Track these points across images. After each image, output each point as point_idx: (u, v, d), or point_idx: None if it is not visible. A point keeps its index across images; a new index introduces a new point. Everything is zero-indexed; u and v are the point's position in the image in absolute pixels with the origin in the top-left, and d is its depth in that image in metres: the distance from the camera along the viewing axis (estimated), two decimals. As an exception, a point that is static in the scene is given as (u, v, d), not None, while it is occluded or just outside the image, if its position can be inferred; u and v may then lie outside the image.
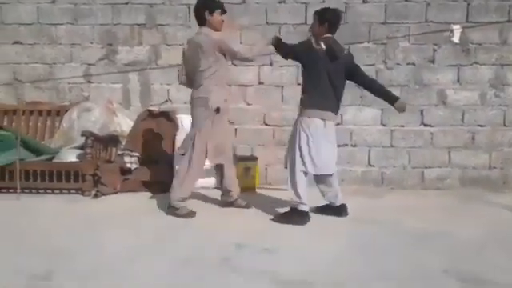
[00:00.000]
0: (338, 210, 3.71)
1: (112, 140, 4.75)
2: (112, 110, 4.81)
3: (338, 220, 3.65)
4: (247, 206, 3.92)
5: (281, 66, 4.85)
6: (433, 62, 4.80)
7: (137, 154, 4.71)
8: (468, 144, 4.81)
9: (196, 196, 4.12)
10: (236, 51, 3.60)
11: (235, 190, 3.94)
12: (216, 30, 3.62)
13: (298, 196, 3.51)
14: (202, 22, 3.65)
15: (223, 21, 3.67)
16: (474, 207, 4.14)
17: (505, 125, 4.79)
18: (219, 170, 3.96)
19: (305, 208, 3.54)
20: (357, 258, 2.87)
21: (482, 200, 4.35)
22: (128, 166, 4.58)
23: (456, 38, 4.75)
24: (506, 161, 4.80)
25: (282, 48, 3.66)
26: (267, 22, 4.87)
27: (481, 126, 4.80)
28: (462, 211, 4.00)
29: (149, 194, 4.40)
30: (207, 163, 3.82)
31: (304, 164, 3.49)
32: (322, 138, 3.49)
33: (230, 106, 3.90)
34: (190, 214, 3.68)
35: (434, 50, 4.79)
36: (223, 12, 3.66)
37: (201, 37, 3.60)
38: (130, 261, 2.78)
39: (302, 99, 3.60)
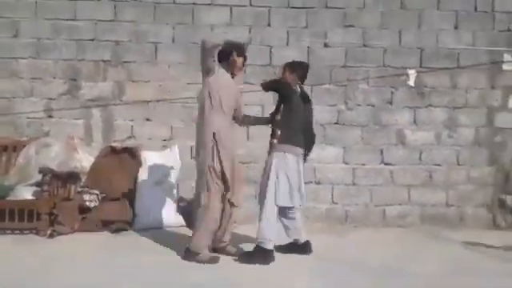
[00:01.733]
0: (303, 248, 3.70)
1: (71, 177, 4.57)
2: (73, 145, 4.68)
3: (303, 258, 3.62)
4: (236, 254, 3.62)
5: (245, 105, 4.92)
6: (391, 103, 5.03)
7: (97, 192, 4.55)
8: (426, 182, 5.00)
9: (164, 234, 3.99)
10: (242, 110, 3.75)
11: (229, 236, 3.72)
12: (232, 72, 3.65)
13: (266, 233, 3.49)
14: (224, 59, 3.58)
15: (241, 69, 3.76)
16: (433, 244, 4.24)
17: (459, 164, 5.02)
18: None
19: (270, 246, 3.50)
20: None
21: (441, 237, 4.47)
22: (87, 204, 4.42)
23: (411, 82, 5.04)
24: (462, 198, 5.00)
25: (271, 82, 3.85)
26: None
27: (437, 164, 5.02)
28: (422, 249, 4.09)
29: (108, 234, 4.22)
30: None
31: (278, 199, 3.51)
32: (296, 172, 3.57)
33: None
34: (214, 259, 3.47)
35: (392, 93, 5.03)
36: (245, 61, 3.73)
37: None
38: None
39: (277, 135, 3.63)
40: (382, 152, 5.01)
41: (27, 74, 4.96)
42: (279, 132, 3.62)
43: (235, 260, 3.52)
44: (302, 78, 3.83)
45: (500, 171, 5.02)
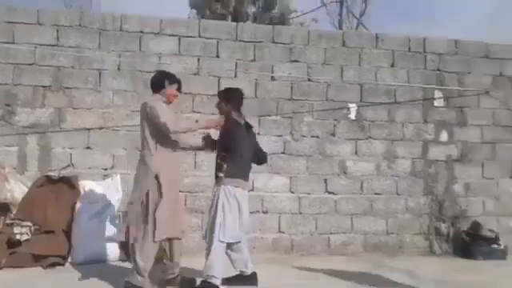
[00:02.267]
0: (248, 280, 3.63)
1: (0, 208, 4.23)
2: (3, 175, 4.35)
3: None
4: (191, 283, 3.52)
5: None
6: (333, 135, 5.22)
7: (29, 224, 4.22)
8: (368, 211, 5.17)
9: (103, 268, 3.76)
10: (161, 121, 3.35)
11: (177, 267, 3.58)
12: (168, 101, 3.57)
13: (214, 270, 3.38)
14: (157, 89, 3.55)
15: (176, 96, 3.64)
16: (375, 273, 4.31)
17: (397, 193, 5.26)
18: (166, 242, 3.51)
19: (217, 282, 3.40)
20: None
21: (383, 265, 4.58)
22: (18, 237, 4.08)
23: (352, 115, 5.28)
24: (401, 227, 5.21)
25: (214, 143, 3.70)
26: (181, 92, 4.95)
27: (377, 194, 5.22)
28: (364, 277, 4.14)
29: (40, 270, 3.90)
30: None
31: (225, 235, 3.42)
32: (244, 205, 3.53)
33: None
34: None
35: (334, 125, 5.24)
36: (179, 89, 3.64)
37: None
38: None
39: (223, 169, 3.49)
40: (326, 181, 5.14)
41: (-45, 96, 4.62)
42: (225, 165, 3.49)
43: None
44: (239, 106, 3.67)
45: (434, 201, 5.32)
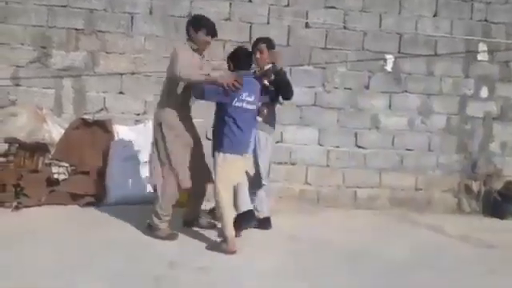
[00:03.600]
0: (262, 223, 3.75)
1: (39, 148, 4.42)
2: (41, 116, 4.51)
3: (275, 237, 3.66)
4: (208, 227, 3.71)
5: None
6: (367, 87, 5.06)
7: (66, 165, 4.42)
8: (397, 166, 5.10)
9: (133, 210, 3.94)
10: (176, 67, 3.27)
11: (199, 209, 3.77)
12: (200, 48, 3.49)
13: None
14: (189, 35, 3.48)
15: (208, 42, 3.52)
16: (400, 227, 4.35)
17: (430, 150, 5.14)
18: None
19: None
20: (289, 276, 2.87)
21: (409, 220, 4.59)
22: (56, 176, 4.29)
23: (389, 67, 5.07)
24: (430, 183, 5.13)
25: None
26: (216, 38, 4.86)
27: (409, 149, 5.12)
28: (389, 231, 4.19)
29: (77, 208, 4.13)
30: None
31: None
32: (267, 151, 3.75)
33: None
34: (172, 236, 3.47)
35: (369, 77, 5.06)
36: (213, 35, 3.51)
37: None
38: (53, 279, 2.57)
39: (263, 113, 3.56)
40: (356, 135, 5.06)
41: (-7, 38, 4.71)
42: (265, 110, 3.55)
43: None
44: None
45: (467, 159, 5.18)
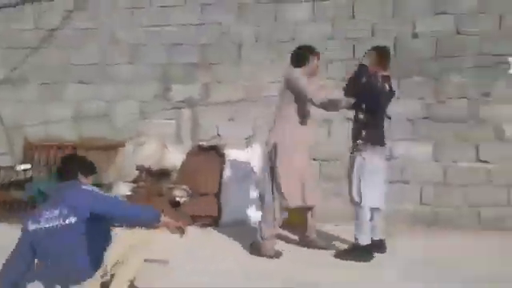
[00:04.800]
0: (377, 246, 3.64)
1: (163, 174, 4.92)
2: (164, 145, 5.02)
3: (391, 259, 3.54)
4: (324, 247, 3.78)
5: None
6: (487, 95, 4.60)
7: (186, 188, 4.83)
8: (526, 182, 4.51)
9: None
10: (308, 95, 3.49)
11: (313, 231, 3.85)
12: (311, 74, 3.68)
13: (362, 230, 3.52)
14: (300, 63, 3.65)
15: (318, 67, 3.76)
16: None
17: None
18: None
19: (366, 241, 3.51)
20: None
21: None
22: (178, 199, 4.71)
23: (512, 71, 4.56)
24: None
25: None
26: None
27: (542, 163, 4.51)
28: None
29: (195, 228, 4.46)
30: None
31: (367, 200, 3.52)
32: (380, 173, 3.58)
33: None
34: (277, 254, 3.60)
35: (489, 84, 4.60)
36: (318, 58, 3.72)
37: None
38: None
39: (362, 135, 3.55)
40: (477, 148, 4.62)
41: (123, 78, 5.37)
42: (364, 132, 3.53)
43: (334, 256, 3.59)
44: (382, 64, 3.59)
45: None
